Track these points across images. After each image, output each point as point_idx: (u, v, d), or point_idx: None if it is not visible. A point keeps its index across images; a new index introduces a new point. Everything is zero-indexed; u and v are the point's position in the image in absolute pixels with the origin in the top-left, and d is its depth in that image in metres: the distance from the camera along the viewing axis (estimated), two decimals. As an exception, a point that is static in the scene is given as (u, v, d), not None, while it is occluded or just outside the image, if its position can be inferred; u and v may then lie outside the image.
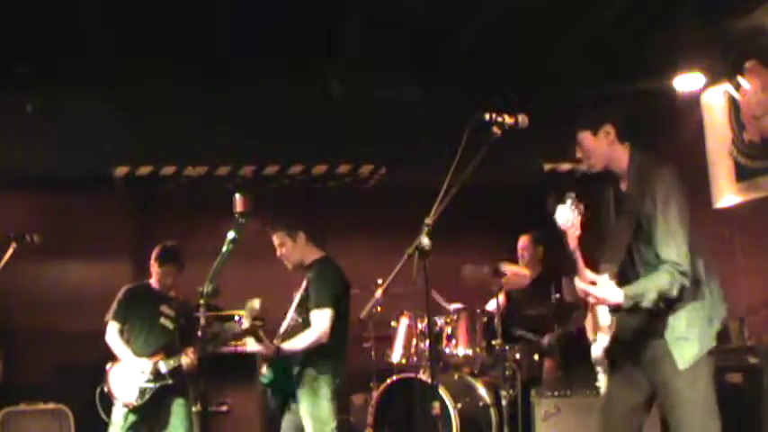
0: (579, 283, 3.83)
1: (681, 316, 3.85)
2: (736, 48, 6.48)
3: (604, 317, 3.93)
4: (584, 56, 6.85)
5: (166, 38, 6.37)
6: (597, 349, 4.01)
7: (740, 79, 6.51)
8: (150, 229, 8.35)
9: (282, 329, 5.52)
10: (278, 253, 5.57)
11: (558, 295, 6.31)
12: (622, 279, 3.85)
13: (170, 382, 6.02)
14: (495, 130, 3.77)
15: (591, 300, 3.84)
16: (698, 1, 5.99)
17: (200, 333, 6.14)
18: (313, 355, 5.31)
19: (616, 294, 3.75)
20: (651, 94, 6.99)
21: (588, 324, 4.18)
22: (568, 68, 6.99)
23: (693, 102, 6.97)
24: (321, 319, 5.28)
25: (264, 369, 5.44)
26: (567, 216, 3.76)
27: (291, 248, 5.54)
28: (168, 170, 7.77)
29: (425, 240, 3.59)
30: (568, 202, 3.76)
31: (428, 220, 3.62)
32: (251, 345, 5.43)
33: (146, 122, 7.09)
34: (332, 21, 6.27)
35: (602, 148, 4.03)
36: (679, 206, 3.84)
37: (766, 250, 6.42)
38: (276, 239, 5.56)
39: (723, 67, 6.64)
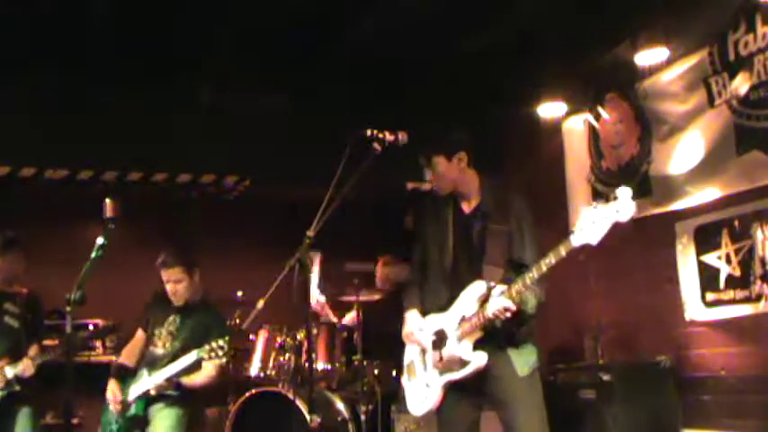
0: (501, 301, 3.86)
1: (522, 331, 4.08)
2: (597, 79, 6.72)
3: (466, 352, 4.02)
4: (451, 81, 6.98)
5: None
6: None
7: (600, 109, 6.76)
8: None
9: (164, 361, 5.27)
10: (170, 289, 5.36)
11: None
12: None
13: (17, 389, 5.59)
14: (376, 146, 3.83)
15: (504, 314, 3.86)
16: (563, 33, 6.18)
17: (56, 341, 6.06)
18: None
19: (506, 301, 3.86)
20: (515, 118, 7.19)
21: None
22: (437, 91, 7.10)
23: (555, 128, 7.19)
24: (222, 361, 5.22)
25: (133, 399, 5.26)
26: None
27: (188, 286, 5.38)
28: (27, 172, 7.51)
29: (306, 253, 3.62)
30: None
31: (310, 233, 3.63)
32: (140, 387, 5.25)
33: (3, 121, 6.79)
34: (202, 25, 6.18)
35: (454, 174, 4.21)
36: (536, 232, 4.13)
37: (617, 273, 6.67)
38: (173, 275, 5.34)
39: (584, 98, 6.88)
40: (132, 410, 5.26)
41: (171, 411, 5.26)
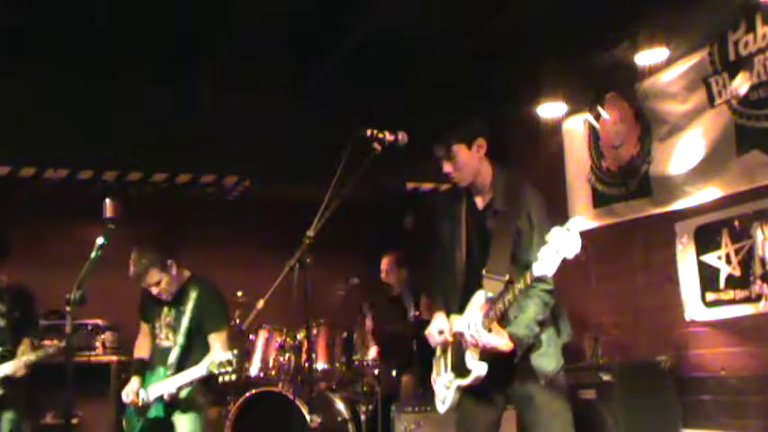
0: (483, 336, 3.84)
1: (541, 335, 3.98)
2: (597, 79, 6.71)
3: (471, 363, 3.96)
4: (451, 80, 6.98)
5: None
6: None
7: (600, 109, 6.75)
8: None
9: (174, 357, 5.22)
10: (154, 292, 5.23)
11: (417, 312, 6.41)
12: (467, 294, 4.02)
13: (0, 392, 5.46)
14: (376, 146, 3.79)
15: (481, 343, 3.84)
16: (563, 33, 6.17)
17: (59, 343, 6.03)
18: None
19: (505, 343, 3.81)
20: (515, 118, 7.19)
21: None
22: (437, 91, 7.10)
23: (555, 128, 7.19)
24: (223, 343, 5.17)
25: (153, 400, 5.19)
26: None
27: (168, 281, 5.22)
28: (27, 172, 7.49)
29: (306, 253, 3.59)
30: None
31: (310, 233, 3.61)
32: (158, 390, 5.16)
33: (3, 121, 6.78)
34: (202, 25, 6.18)
35: (474, 163, 4.05)
36: (549, 227, 3.89)
37: (618, 274, 6.67)
38: (150, 280, 5.17)
39: (584, 98, 6.88)
40: (153, 412, 5.19)
41: (191, 415, 5.22)
